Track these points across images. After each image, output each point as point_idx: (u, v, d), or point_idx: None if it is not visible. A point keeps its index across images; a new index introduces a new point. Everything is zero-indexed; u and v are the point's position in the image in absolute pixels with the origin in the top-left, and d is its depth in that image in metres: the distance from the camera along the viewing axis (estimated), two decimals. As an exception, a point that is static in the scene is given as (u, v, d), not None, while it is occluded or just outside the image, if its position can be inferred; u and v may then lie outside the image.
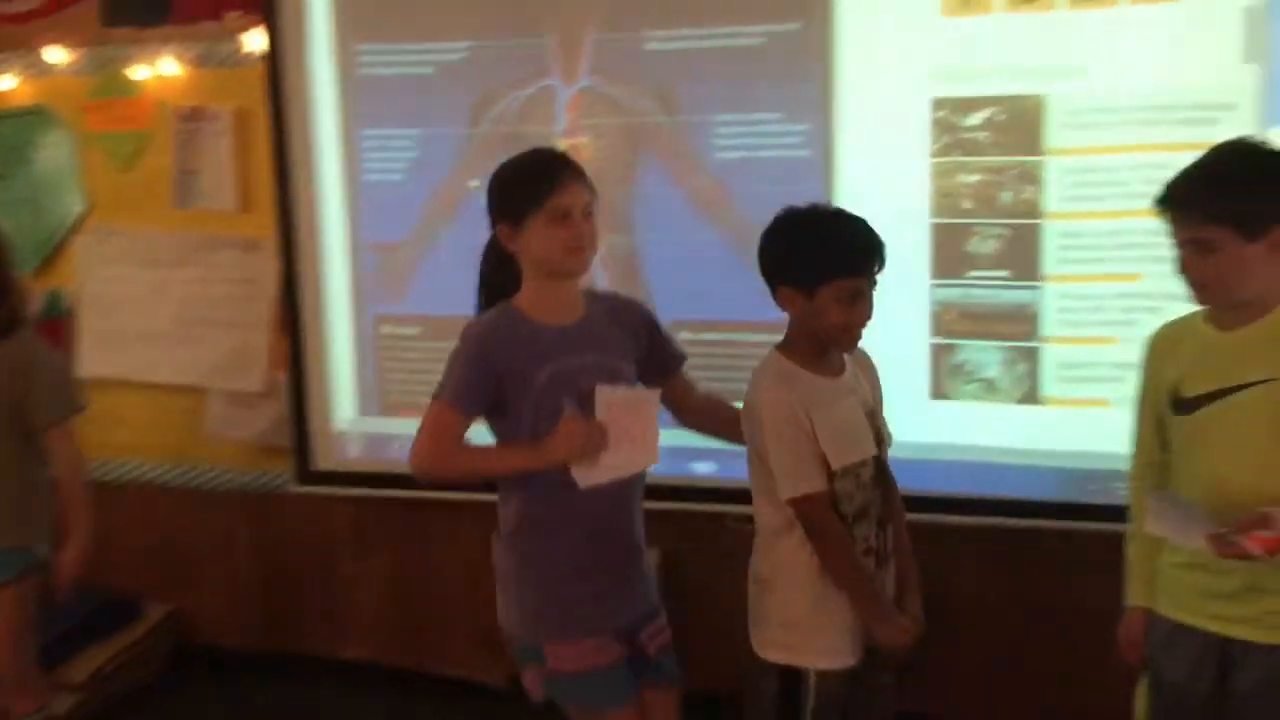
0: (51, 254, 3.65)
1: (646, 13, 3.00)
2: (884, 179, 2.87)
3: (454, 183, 3.21)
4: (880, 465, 2.24)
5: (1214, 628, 1.98)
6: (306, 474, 3.45)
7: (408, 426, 3.31)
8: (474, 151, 3.18)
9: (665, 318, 3.05)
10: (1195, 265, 1.92)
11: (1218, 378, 1.94)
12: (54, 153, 3.62)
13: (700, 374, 3.06)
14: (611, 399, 2.20)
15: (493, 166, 3.12)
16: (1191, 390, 1.97)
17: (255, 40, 3.36)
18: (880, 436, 2.25)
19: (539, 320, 2.26)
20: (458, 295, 3.21)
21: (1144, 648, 2.11)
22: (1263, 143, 1.97)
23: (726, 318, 3.06)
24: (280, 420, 3.50)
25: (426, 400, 3.24)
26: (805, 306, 2.15)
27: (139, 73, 3.50)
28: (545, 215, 2.22)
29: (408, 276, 3.29)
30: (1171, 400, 2.01)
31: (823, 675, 2.19)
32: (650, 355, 2.39)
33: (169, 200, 3.55)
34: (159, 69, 3.48)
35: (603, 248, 3.04)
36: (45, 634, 3.00)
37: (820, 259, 2.15)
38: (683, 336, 3.06)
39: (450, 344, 3.20)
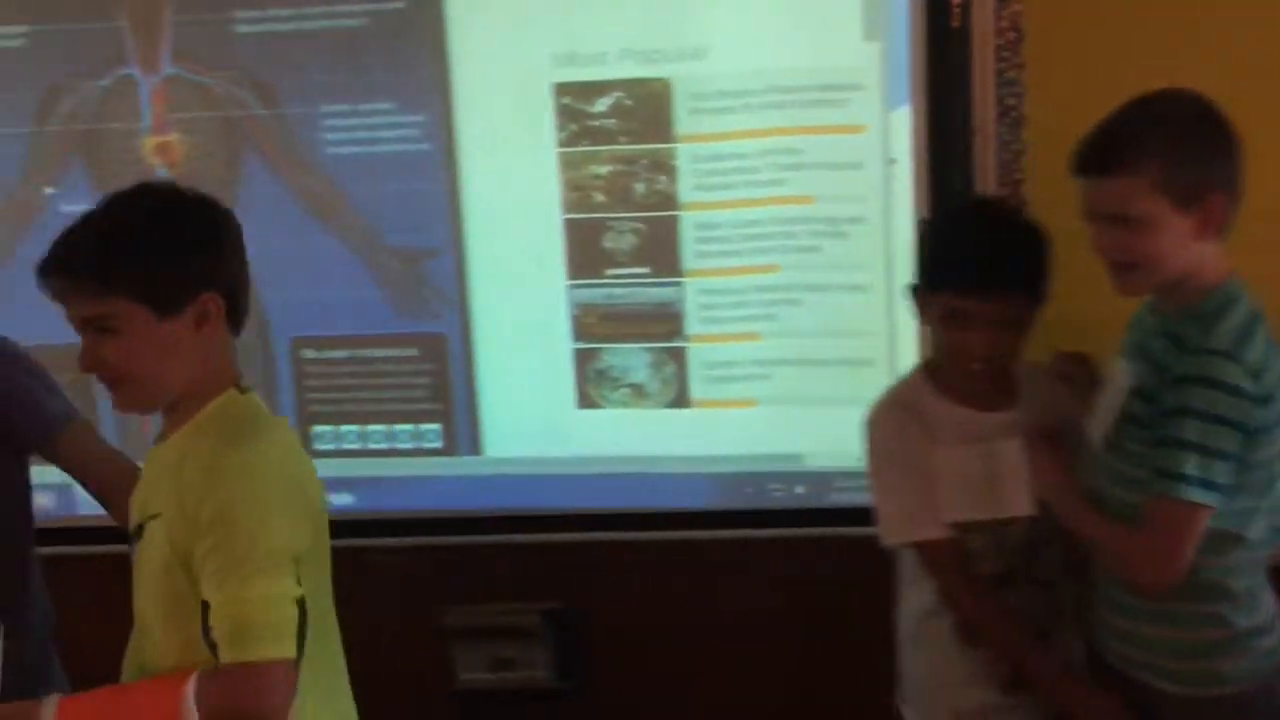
0: None
1: (233, -12, 2.63)
2: (512, 172, 2.63)
3: (26, 191, 2.76)
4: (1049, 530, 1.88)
5: None
6: None
7: None
8: (46, 153, 2.73)
9: (283, 334, 2.76)
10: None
11: None
12: None
13: (327, 395, 2.79)
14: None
15: (72, 170, 2.75)
16: None
17: None
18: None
19: None
20: (36, 320, 2.80)
21: None
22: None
23: (353, 332, 2.75)
24: None
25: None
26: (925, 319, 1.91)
27: None
28: None
29: (-20, 297, 2.81)
30: None
31: None
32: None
33: None
34: None
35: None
36: None
37: (930, 264, 1.88)
38: (305, 355, 2.77)
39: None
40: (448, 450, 2.77)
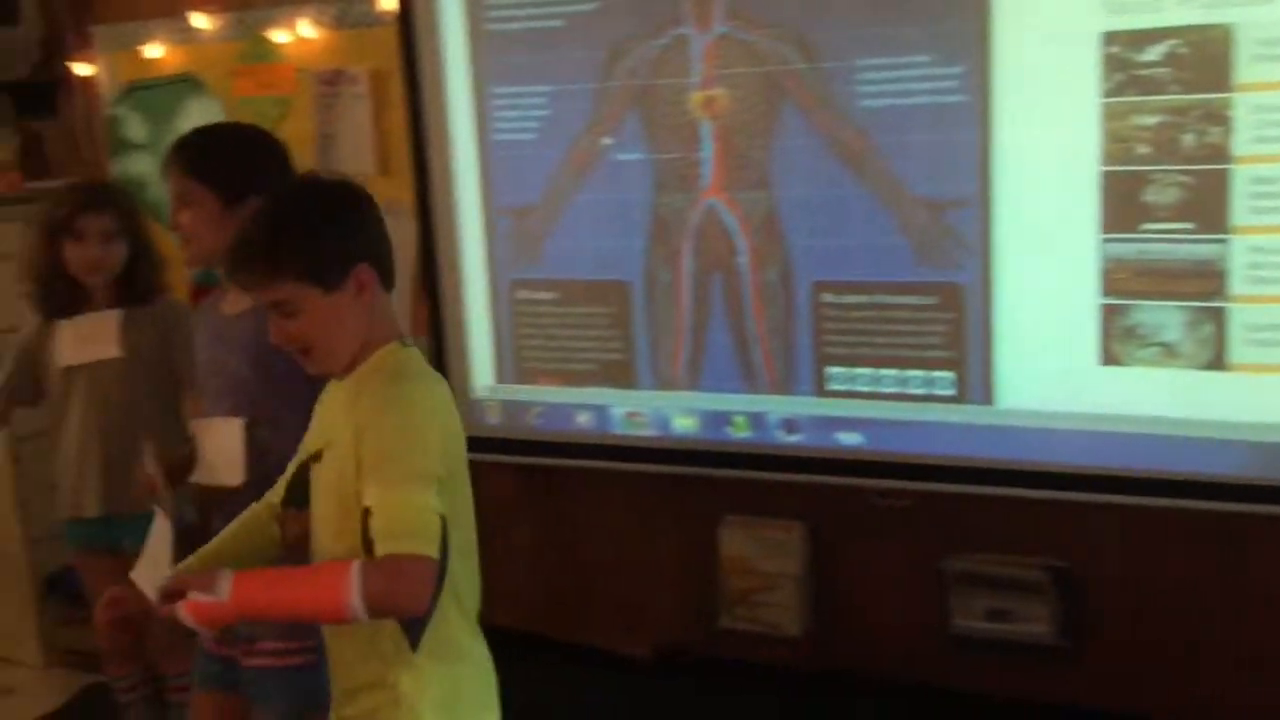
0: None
1: (785, -50, 2.79)
2: (1048, 124, 2.60)
3: (587, 141, 3.08)
4: None
5: None
6: (445, 440, 3.41)
7: (544, 394, 3.27)
8: (607, 107, 3.04)
9: (805, 277, 2.91)
10: None
11: None
12: (202, 120, 3.65)
13: (843, 339, 2.91)
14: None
15: (628, 123, 3.04)
16: None
17: (388, -2, 3.30)
18: None
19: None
20: (593, 259, 3.15)
21: None
22: None
23: (872, 278, 2.85)
24: (421, 385, 3.47)
25: (564, 367, 3.20)
26: None
27: (279, 37, 3.49)
28: None
29: (542, 240, 3.18)
30: None
31: None
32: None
33: (311, 164, 3.53)
34: (298, 32, 3.46)
35: (742, 207, 2.92)
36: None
37: None
38: (824, 299, 2.90)
39: (588, 309, 3.14)
40: (959, 398, 2.81)
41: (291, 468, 1.87)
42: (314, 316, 1.69)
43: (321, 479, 1.75)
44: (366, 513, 1.61)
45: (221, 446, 2.12)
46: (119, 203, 2.75)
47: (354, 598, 1.54)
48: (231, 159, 2.18)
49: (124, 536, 2.68)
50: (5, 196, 3.66)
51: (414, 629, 1.68)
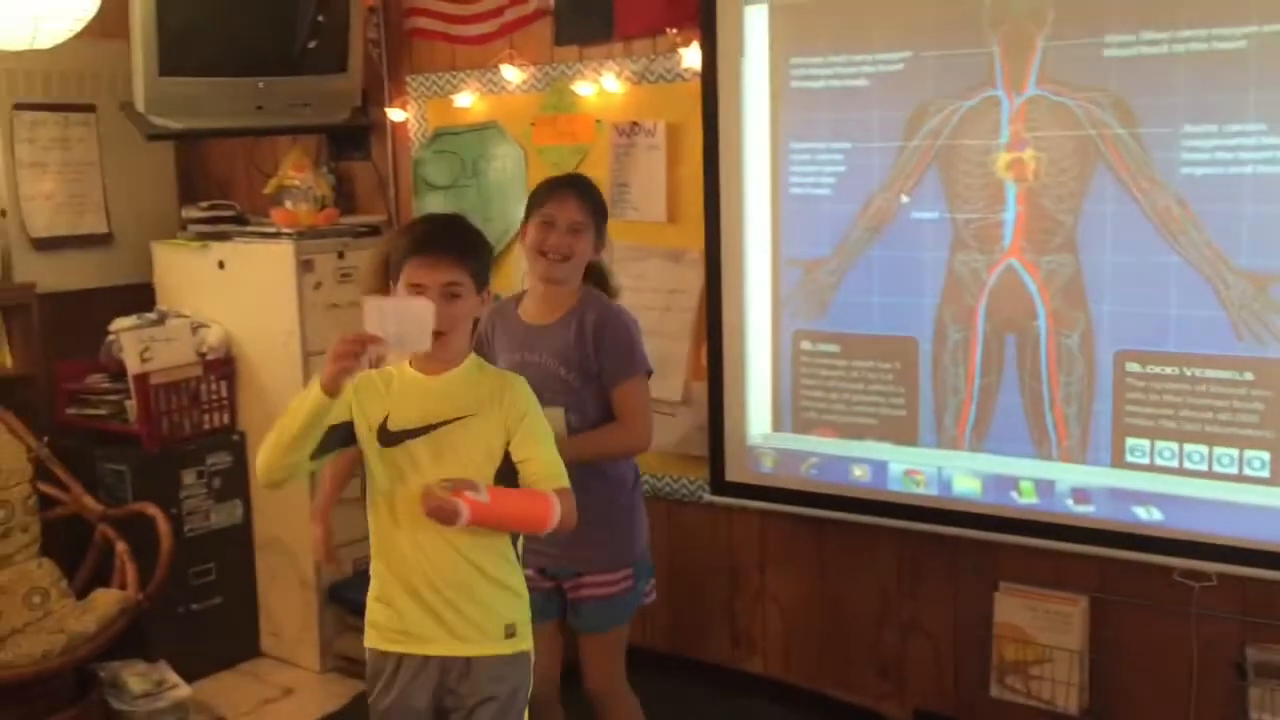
0: (497, 259, 3.91)
1: (1105, 15, 2.76)
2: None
3: (883, 199, 3.11)
4: None
5: None
6: (720, 484, 3.48)
7: (822, 445, 3.29)
8: (906, 166, 3.06)
9: (1109, 345, 2.85)
10: None
11: None
12: (504, 164, 3.87)
13: (1146, 410, 2.82)
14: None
15: (927, 182, 3.05)
16: None
17: (691, 56, 3.42)
18: None
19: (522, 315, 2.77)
20: (881, 314, 3.16)
21: None
22: None
23: (1181, 349, 2.76)
24: (695, 430, 3.56)
25: (844, 420, 3.22)
26: None
27: (582, 89, 3.67)
28: (535, 219, 2.71)
29: (829, 293, 3.22)
30: None
31: None
32: (595, 366, 2.68)
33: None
34: (602, 85, 3.63)
35: (1043, 269, 2.89)
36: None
37: None
38: (1129, 368, 2.83)
39: (870, 363, 3.16)
40: (1275, 480, 2.68)
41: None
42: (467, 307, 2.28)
43: (454, 443, 2.25)
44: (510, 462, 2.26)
45: None
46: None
47: (555, 516, 2.22)
48: (603, 208, 2.80)
49: None
50: (323, 230, 3.95)
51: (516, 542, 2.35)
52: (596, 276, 2.82)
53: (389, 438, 2.25)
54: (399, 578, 2.27)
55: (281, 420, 2.18)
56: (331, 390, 2.09)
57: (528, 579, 2.40)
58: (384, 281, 2.80)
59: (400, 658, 2.29)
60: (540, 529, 2.25)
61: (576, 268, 2.71)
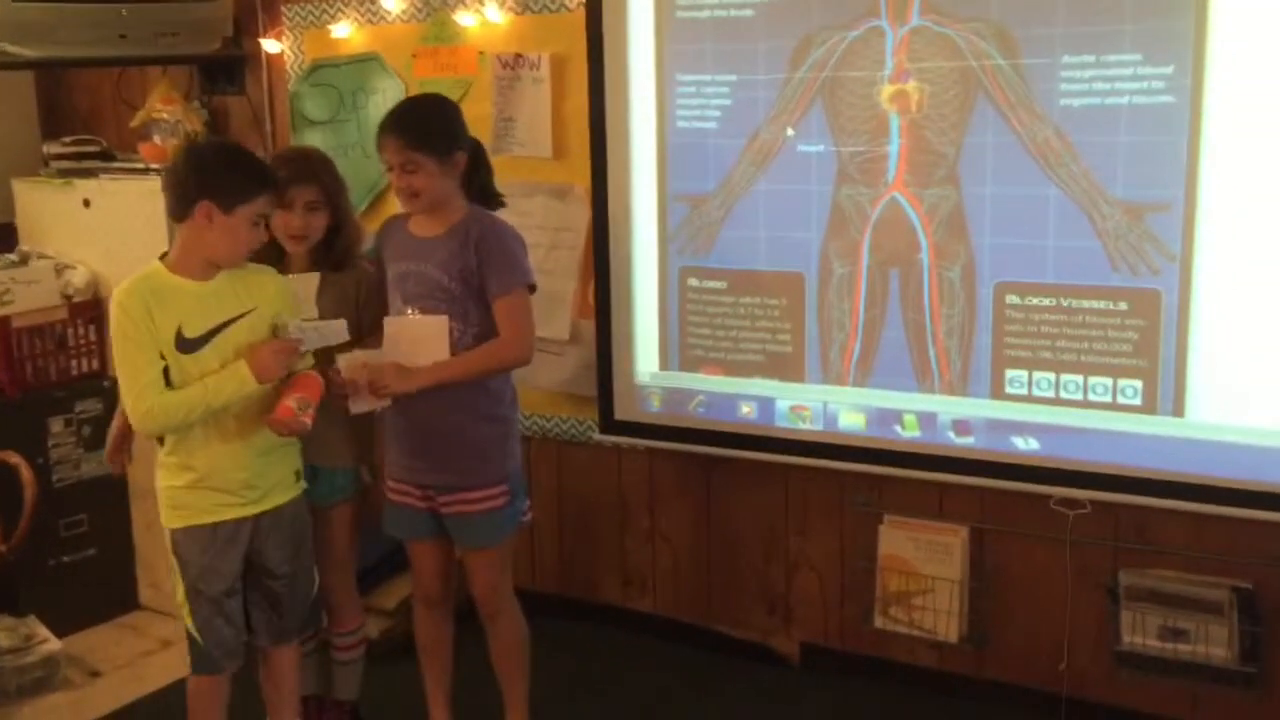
0: (379, 196, 3.79)
1: (988, -55, 2.75)
2: (1264, 130, 2.52)
3: (769, 132, 3.08)
4: None
5: None
6: (609, 423, 3.44)
7: (709, 383, 3.27)
8: (791, 99, 3.03)
9: (990, 278, 2.86)
10: None
11: None
12: (385, 98, 3.73)
13: (1024, 341, 2.85)
14: (397, 326, 2.64)
15: (812, 115, 3.02)
16: None
17: (576, -15, 3.33)
18: None
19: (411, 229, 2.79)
20: (767, 250, 3.14)
21: None
22: None
23: (1059, 280, 2.79)
24: (583, 369, 3.51)
25: (730, 358, 3.20)
26: None
27: (464, 19, 3.56)
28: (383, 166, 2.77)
29: (716, 229, 3.19)
30: None
31: None
32: (477, 279, 2.70)
33: (487, 147, 3.59)
34: (484, 15, 3.52)
35: (926, 202, 2.89)
36: (359, 561, 3.12)
37: None
38: (1009, 300, 2.85)
39: (756, 299, 3.14)
40: (1146, 409, 2.74)
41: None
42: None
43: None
44: None
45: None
46: (325, 175, 2.83)
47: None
48: (441, 127, 2.71)
49: (317, 487, 2.81)
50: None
51: None
52: (482, 192, 2.84)
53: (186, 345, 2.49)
54: None
55: (200, 395, 2.47)
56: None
57: (403, 494, 2.75)
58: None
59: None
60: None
61: (432, 197, 2.70)
